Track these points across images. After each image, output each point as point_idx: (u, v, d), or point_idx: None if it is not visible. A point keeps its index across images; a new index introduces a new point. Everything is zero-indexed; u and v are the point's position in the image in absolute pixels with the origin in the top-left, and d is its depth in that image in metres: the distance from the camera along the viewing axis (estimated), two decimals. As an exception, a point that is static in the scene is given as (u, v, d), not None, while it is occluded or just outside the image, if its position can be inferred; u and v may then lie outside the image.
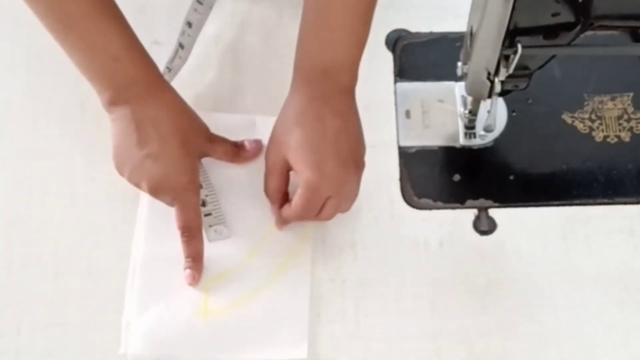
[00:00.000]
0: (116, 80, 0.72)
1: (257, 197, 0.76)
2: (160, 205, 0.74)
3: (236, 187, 0.78)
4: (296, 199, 0.71)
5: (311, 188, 0.70)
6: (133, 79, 0.72)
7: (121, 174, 0.74)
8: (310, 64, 0.72)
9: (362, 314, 0.74)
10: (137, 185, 0.73)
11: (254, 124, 0.80)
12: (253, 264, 0.75)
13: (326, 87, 0.71)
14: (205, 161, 0.77)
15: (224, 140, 0.77)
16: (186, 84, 0.82)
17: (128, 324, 0.72)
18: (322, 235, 0.76)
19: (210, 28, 0.85)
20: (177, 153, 0.72)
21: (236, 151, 0.78)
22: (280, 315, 0.73)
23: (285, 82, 0.82)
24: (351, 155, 0.71)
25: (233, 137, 0.78)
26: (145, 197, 0.75)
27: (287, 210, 0.73)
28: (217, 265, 0.74)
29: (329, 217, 0.73)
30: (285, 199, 0.74)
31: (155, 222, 0.75)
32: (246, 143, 0.78)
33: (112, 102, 0.72)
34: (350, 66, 0.72)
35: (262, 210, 0.76)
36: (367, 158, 0.73)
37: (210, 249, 0.74)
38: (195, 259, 0.73)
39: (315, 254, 0.76)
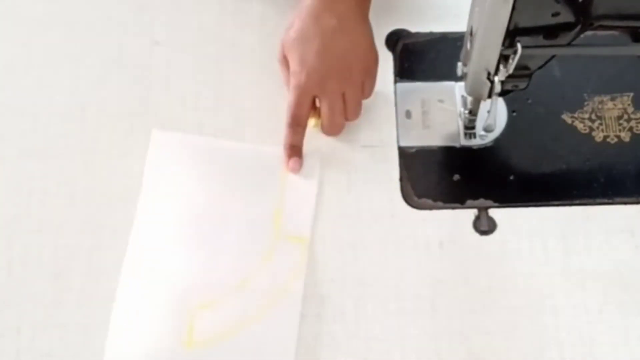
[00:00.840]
0: None
1: (254, 226, 0.75)
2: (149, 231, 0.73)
3: (232, 215, 0.76)
4: (288, 95, 0.74)
5: (296, 81, 0.74)
6: None
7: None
8: None
9: (362, 314, 0.74)
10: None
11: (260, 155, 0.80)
12: (243, 295, 0.73)
13: None
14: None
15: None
16: (186, 84, 0.82)
17: (111, 353, 0.71)
18: (322, 235, 0.76)
19: (211, 28, 0.85)
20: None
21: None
22: (266, 352, 0.72)
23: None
24: (344, 55, 0.74)
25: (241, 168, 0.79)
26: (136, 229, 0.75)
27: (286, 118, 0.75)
28: (206, 292, 0.73)
29: (350, 119, 0.78)
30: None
31: (139, 251, 0.74)
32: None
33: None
34: None
35: (258, 240, 0.75)
36: (367, 158, 0.73)
37: (201, 275, 0.73)
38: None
39: (314, 256, 0.76)
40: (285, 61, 0.77)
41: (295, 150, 0.77)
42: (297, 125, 0.76)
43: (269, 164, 0.78)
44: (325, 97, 0.76)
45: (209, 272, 0.74)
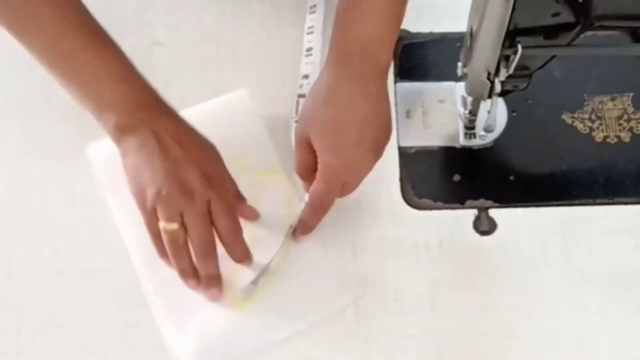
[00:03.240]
0: (126, 102, 0.69)
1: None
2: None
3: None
4: (315, 182, 0.70)
5: (329, 171, 0.69)
6: (140, 100, 0.70)
7: (142, 198, 0.69)
8: (346, 40, 0.71)
9: (362, 314, 0.74)
10: (156, 200, 0.68)
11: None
12: (264, 240, 0.74)
13: (362, 66, 0.70)
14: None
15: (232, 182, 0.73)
16: (186, 84, 0.82)
17: (173, 345, 0.71)
18: (322, 235, 0.76)
19: (211, 28, 0.85)
20: (204, 154, 0.70)
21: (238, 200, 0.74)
22: (310, 275, 0.73)
23: (285, 82, 0.82)
24: (375, 142, 0.70)
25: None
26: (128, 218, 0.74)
27: (309, 198, 0.72)
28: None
29: (345, 195, 0.73)
30: (314, 177, 0.72)
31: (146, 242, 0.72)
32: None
33: (122, 128, 0.69)
34: (387, 44, 0.71)
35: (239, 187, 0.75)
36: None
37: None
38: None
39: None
40: (304, 144, 0.71)
41: (308, 230, 0.74)
42: (321, 212, 0.73)
43: (237, 108, 0.80)
44: (354, 183, 0.72)
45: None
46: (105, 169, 0.77)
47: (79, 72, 0.69)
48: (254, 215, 0.75)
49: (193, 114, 0.74)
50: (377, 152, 0.71)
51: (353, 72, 0.70)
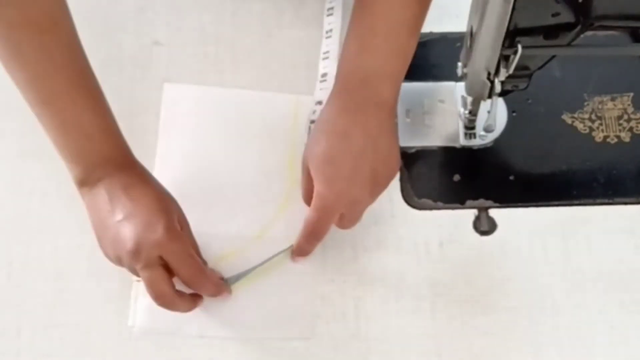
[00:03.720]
0: (88, 158, 0.69)
1: (269, 175, 0.77)
2: None
3: (248, 166, 0.78)
4: (309, 211, 0.69)
5: (321, 202, 0.68)
6: (105, 158, 0.69)
7: (107, 255, 0.69)
8: (348, 70, 0.70)
9: (362, 314, 0.74)
10: (120, 260, 0.68)
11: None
12: (261, 245, 0.75)
13: (362, 98, 0.69)
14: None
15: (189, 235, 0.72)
16: (186, 84, 0.82)
17: (137, 297, 0.73)
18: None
19: (211, 28, 0.85)
20: (152, 207, 0.68)
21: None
22: (289, 294, 0.73)
23: (285, 82, 0.82)
24: (372, 175, 0.69)
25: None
26: None
27: (302, 226, 0.71)
28: (225, 245, 0.74)
29: (347, 227, 0.71)
30: None
31: None
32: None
33: (83, 181, 0.69)
34: (391, 77, 0.70)
35: (274, 189, 0.77)
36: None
37: (219, 227, 0.75)
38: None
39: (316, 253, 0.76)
40: (307, 173, 0.70)
41: (303, 253, 0.74)
42: (314, 240, 0.72)
43: (282, 110, 0.80)
44: (351, 215, 0.71)
45: (227, 224, 0.76)
46: (170, 112, 0.80)
47: (51, 119, 0.68)
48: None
49: (275, 99, 0.78)
50: (376, 186, 0.70)
51: (351, 104, 0.69)
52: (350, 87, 0.69)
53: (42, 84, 0.67)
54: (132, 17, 0.85)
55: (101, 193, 0.68)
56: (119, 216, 0.67)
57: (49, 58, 0.66)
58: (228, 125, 0.80)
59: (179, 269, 0.67)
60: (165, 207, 0.69)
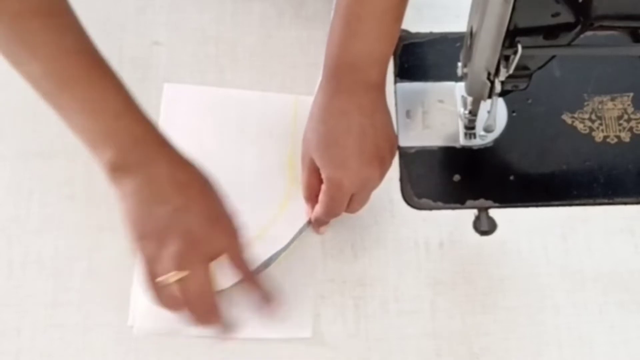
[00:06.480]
0: (119, 139, 0.65)
1: (269, 174, 0.77)
2: None
3: (247, 164, 0.78)
4: (321, 196, 0.70)
5: (334, 186, 0.68)
6: (137, 137, 0.66)
7: (143, 247, 0.65)
8: (337, 56, 0.70)
9: (362, 314, 0.74)
10: (159, 252, 0.65)
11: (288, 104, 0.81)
12: (262, 243, 0.74)
13: (352, 81, 0.69)
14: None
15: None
16: (186, 84, 0.82)
17: (136, 298, 0.73)
18: (322, 235, 0.76)
19: (211, 28, 0.85)
20: (207, 194, 0.67)
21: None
22: (289, 294, 0.73)
23: (285, 82, 0.82)
24: (376, 151, 0.69)
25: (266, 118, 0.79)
26: None
27: (316, 210, 0.72)
28: None
29: (356, 210, 0.72)
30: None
31: None
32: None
33: (117, 166, 0.65)
34: (379, 61, 0.70)
35: (274, 188, 0.77)
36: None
37: None
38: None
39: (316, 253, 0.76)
40: (309, 165, 0.71)
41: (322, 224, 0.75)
42: (330, 218, 0.73)
43: (282, 111, 0.80)
44: (361, 196, 0.71)
45: None
46: (169, 112, 0.80)
47: (73, 104, 0.65)
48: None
49: (274, 99, 0.79)
50: (382, 162, 0.70)
51: (342, 87, 0.69)
52: (340, 72, 0.70)
53: (58, 68, 0.64)
54: (132, 17, 0.85)
55: (145, 179, 0.65)
56: (170, 205, 0.65)
57: (60, 40, 0.64)
58: (228, 125, 0.80)
59: (240, 265, 0.67)
60: (215, 194, 0.68)
